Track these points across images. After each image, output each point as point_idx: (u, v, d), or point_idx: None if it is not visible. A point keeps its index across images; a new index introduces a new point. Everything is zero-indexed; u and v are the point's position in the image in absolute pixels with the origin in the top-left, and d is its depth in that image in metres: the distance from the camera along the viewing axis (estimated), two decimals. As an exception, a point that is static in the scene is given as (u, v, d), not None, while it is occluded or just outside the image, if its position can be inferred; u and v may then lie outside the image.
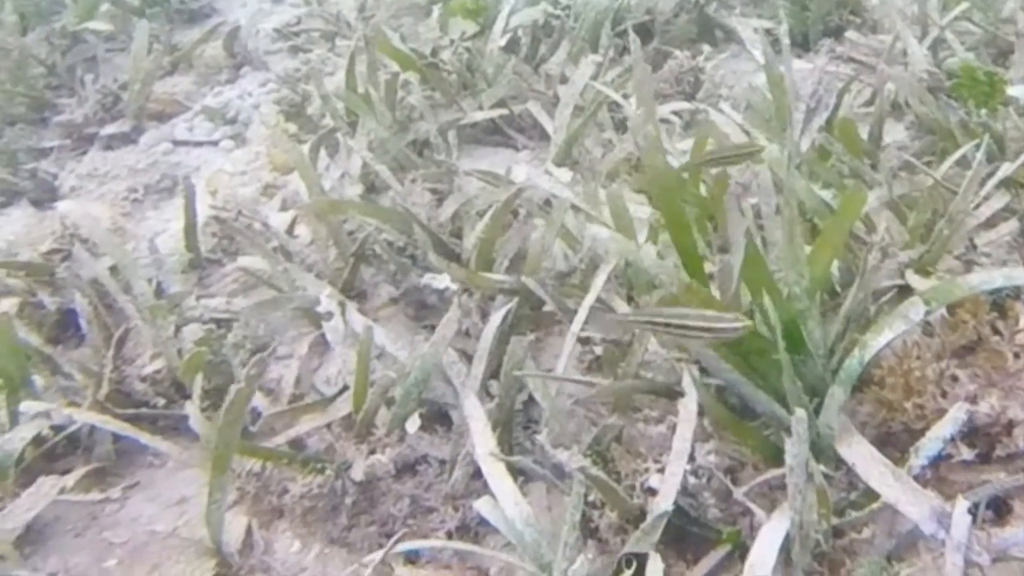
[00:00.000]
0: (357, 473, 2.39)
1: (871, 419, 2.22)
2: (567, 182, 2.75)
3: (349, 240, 3.07)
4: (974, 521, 1.94)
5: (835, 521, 2.04)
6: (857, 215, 2.36)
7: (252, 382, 2.09)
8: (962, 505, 1.86)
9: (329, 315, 2.57)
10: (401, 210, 2.92)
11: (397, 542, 2.18)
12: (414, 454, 2.44)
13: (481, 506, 2.05)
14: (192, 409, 2.34)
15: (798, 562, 1.91)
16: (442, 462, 2.37)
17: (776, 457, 2.12)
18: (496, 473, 2.07)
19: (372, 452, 2.45)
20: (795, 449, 1.82)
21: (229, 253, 3.32)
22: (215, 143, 4.33)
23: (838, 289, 2.55)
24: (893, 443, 2.20)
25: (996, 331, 2.28)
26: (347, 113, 3.83)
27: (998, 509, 2.12)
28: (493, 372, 2.50)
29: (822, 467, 2.14)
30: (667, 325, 1.88)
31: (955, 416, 2.05)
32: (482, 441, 2.18)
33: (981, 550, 1.82)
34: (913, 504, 1.92)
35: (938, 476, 2.18)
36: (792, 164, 2.18)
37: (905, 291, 2.64)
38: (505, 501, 2.01)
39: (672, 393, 2.18)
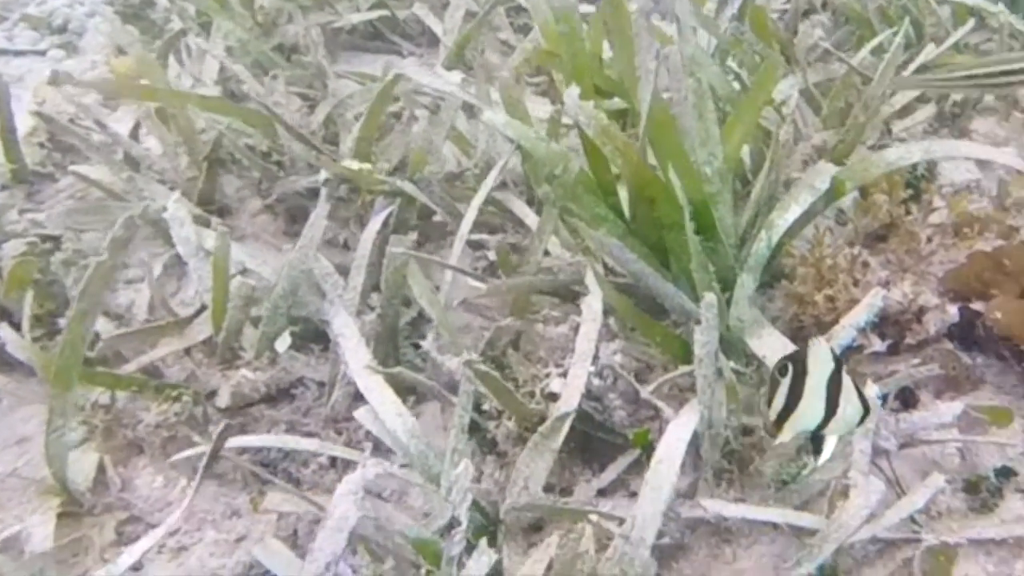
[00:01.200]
0: (223, 399, 2.33)
1: (784, 313, 2.30)
2: (457, 82, 2.72)
3: (204, 146, 2.96)
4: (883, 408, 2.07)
5: (745, 419, 2.12)
6: (770, 91, 2.42)
7: (94, 293, 2.00)
8: (871, 389, 1.94)
9: (178, 223, 2.46)
10: (263, 109, 2.82)
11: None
12: (288, 377, 2.42)
13: (361, 416, 2.04)
14: (10, 335, 2.22)
15: (707, 460, 1.98)
16: (320, 384, 2.35)
17: (686, 356, 2.20)
18: (374, 386, 2.07)
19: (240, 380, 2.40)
20: (704, 337, 1.87)
21: (62, 167, 3.16)
22: (42, 53, 4.18)
23: (750, 177, 2.62)
24: (808, 336, 2.28)
25: (910, 212, 2.39)
26: (197, 15, 3.69)
27: (905, 400, 2.26)
28: (376, 285, 2.48)
29: (732, 363, 2.22)
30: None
31: (870, 303, 2.16)
32: (355, 356, 2.16)
33: (889, 435, 1.92)
34: None
35: (850, 368, 2.31)
36: (689, 36, 2.19)
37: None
38: (386, 412, 2.01)
39: (574, 294, 2.20)
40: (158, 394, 2.30)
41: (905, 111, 3.04)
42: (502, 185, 2.59)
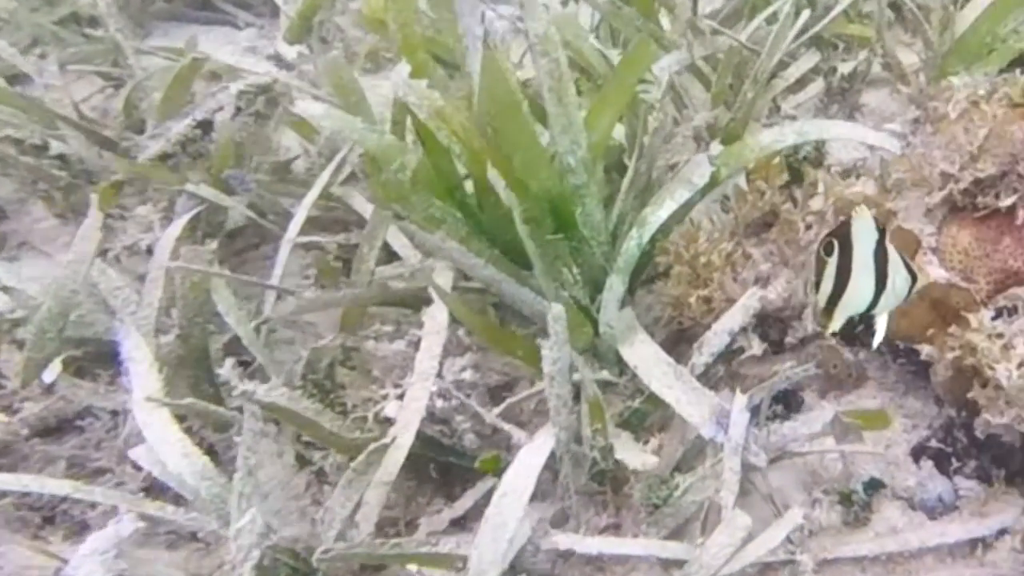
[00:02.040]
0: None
1: (661, 316, 2.18)
2: (292, 59, 2.48)
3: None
4: (754, 418, 1.98)
5: (621, 433, 2.01)
6: (644, 68, 2.27)
7: None
8: (740, 402, 1.86)
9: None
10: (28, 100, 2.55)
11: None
12: (72, 407, 2.20)
13: (139, 456, 1.86)
14: None
15: (571, 484, 1.86)
16: (115, 413, 2.15)
17: None
18: (155, 421, 1.86)
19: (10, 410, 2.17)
20: (554, 354, 1.75)
21: None
22: None
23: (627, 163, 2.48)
24: (690, 339, 2.20)
25: (792, 198, 2.28)
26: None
27: (787, 403, 2.19)
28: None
29: (605, 372, 2.10)
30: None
31: (745, 305, 2.09)
32: (141, 385, 1.94)
33: (759, 451, 1.83)
34: (694, 406, 1.94)
35: (732, 372, 2.24)
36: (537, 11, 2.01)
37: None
38: (168, 452, 1.82)
39: (419, 303, 2.03)
40: None
41: (801, 84, 2.93)
42: (352, 177, 2.39)
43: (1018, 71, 2.48)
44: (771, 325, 2.24)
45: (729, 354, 2.18)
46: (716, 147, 2.72)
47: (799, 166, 2.44)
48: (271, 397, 1.74)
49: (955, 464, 2.02)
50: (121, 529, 1.56)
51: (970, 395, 1.89)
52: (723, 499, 1.81)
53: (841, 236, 1.51)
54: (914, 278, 1.55)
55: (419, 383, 1.89)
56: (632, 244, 2.06)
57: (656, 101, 2.19)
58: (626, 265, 2.05)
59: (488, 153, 1.94)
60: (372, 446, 1.78)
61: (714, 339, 2.03)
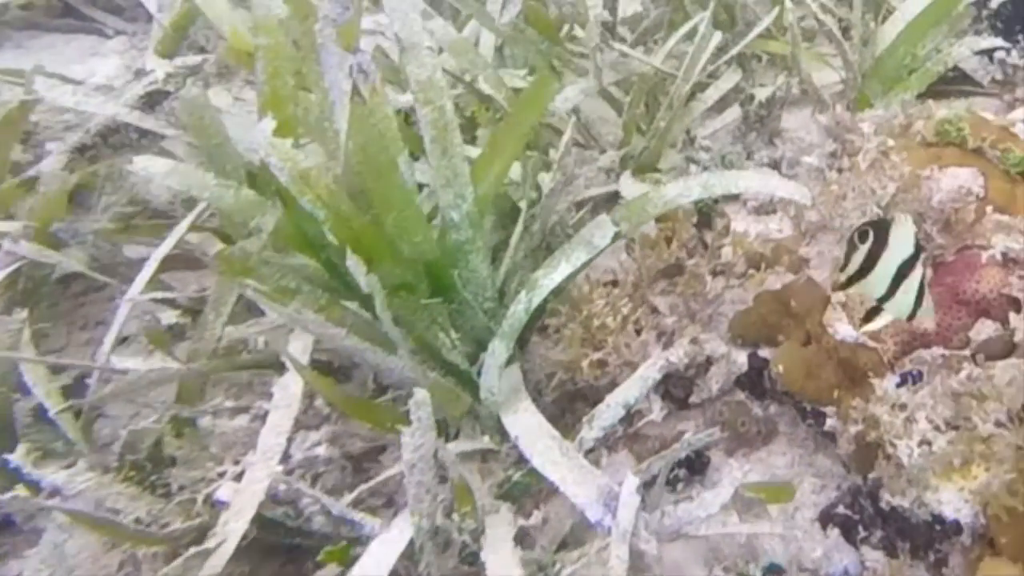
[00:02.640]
0: None
1: (551, 380, 2.03)
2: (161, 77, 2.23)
3: None
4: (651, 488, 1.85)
5: (500, 506, 1.86)
6: (541, 110, 2.08)
7: None
8: (630, 485, 1.71)
9: None
10: None
11: None
12: None
13: None
14: None
15: (428, 569, 1.70)
16: None
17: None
18: None
19: None
20: (415, 441, 1.57)
21: None
22: None
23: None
24: (587, 397, 2.05)
25: (700, 247, 2.13)
26: None
27: (692, 467, 2.05)
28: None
29: (486, 438, 1.95)
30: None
31: (644, 376, 1.95)
32: None
33: (649, 537, 1.69)
34: (579, 485, 1.77)
35: (632, 434, 2.07)
36: (419, 55, 1.82)
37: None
38: None
39: (278, 366, 1.85)
40: None
41: (722, 106, 2.77)
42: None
43: (931, 102, 2.38)
44: (675, 384, 2.10)
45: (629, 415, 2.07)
46: (627, 179, 2.58)
47: (709, 211, 2.30)
48: (74, 484, 1.57)
49: (862, 533, 1.89)
50: None
51: (872, 474, 1.78)
52: None
53: (879, 231, 1.51)
54: (917, 308, 1.55)
55: (260, 462, 1.71)
56: (519, 308, 1.87)
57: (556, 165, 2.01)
58: (511, 330, 1.88)
59: (355, 219, 1.77)
60: (191, 551, 1.61)
61: (607, 412, 1.88)
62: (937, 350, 1.91)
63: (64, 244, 2.16)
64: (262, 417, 1.79)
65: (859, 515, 1.91)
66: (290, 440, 1.81)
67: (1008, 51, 2.53)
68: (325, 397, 1.85)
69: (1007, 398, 1.60)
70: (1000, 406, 1.62)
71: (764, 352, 2.10)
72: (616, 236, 2.00)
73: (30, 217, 2.15)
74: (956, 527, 1.64)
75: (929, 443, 1.70)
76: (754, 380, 2.12)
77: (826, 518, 1.94)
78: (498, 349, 1.89)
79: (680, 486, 2.03)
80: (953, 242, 1.94)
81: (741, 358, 2.11)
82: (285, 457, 1.80)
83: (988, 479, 1.58)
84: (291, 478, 1.75)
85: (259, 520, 1.71)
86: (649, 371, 1.90)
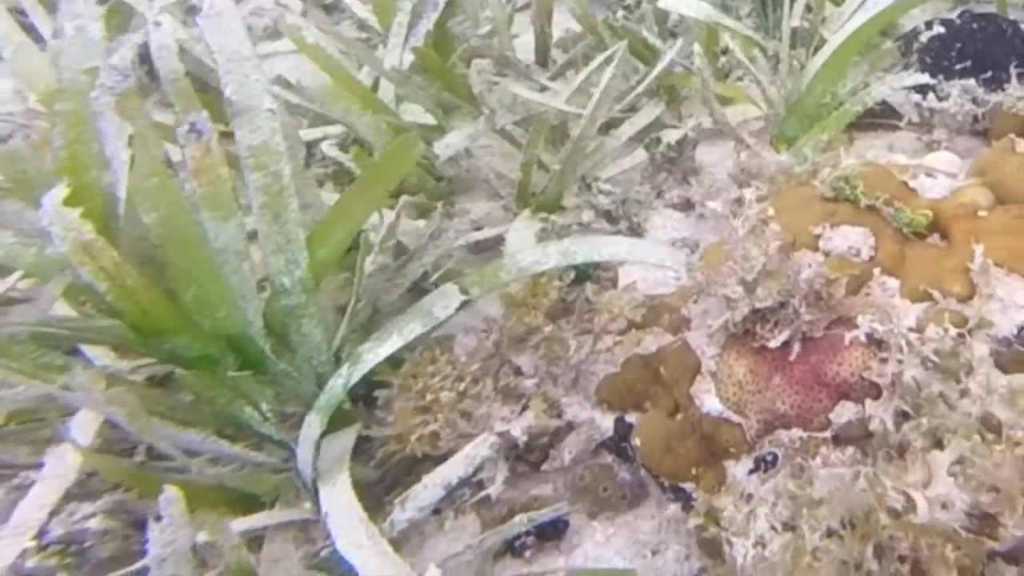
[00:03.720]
0: None
1: (380, 450, 1.89)
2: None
3: None
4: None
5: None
6: (399, 172, 1.92)
7: None
8: (432, 574, 1.55)
9: None
10: None
11: None
12: None
13: None
14: None
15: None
16: None
17: (246, 503, 1.79)
18: None
19: None
20: (165, 537, 1.44)
21: None
22: None
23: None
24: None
25: (560, 314, 1.97)
26: None
27: (545, 531, 1.88)
28: None
29: (307, 505, 1.82)
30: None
31: (469, 455, 1.80)
32: None
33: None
34: (379, 572, 1.61)
35: (483, 498, 1.90)
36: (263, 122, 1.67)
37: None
38: None
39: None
40: None
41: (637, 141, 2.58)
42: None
43: (841, 149, 2.17)
44: (529, 449, 1.94)
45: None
46: (522, 219, 2.40)
47: (590, 265, 2.12)
48: None
49: None
50: None
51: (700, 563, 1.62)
52: None
53: None
54: None
55: (12, 536, 1.59)
56: (338, 383, 1.73)
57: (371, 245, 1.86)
58: (327, 405, 1.73)
59: (143, 292, 1.63)
60: None
61: (424, 493, 1.72)
62: (796, 431, 1.72)
63: None
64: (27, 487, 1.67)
65: None
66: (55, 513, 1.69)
67: (924, 94, 2.30)
68: (105, 473, 1.72)
69: (834, 506, 1.42)
70: (832, 513, 1.44)
71: (631, 418, 1.96)
72: (464, 303, 1.85)
73: None
74: None
75: (764, 545, 1.53)
76: (619, 446, 1.97)
77: None
78: (313, 422, 1.74)
79: (529, 553, 1.87)
80: (823, 316, 1.75)
81: (607, 423, 1.93)
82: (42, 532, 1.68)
83: (811, 599, 1.40)
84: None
85: None
86: (478, 448, 1.74)
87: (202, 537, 1.56)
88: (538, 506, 1.88)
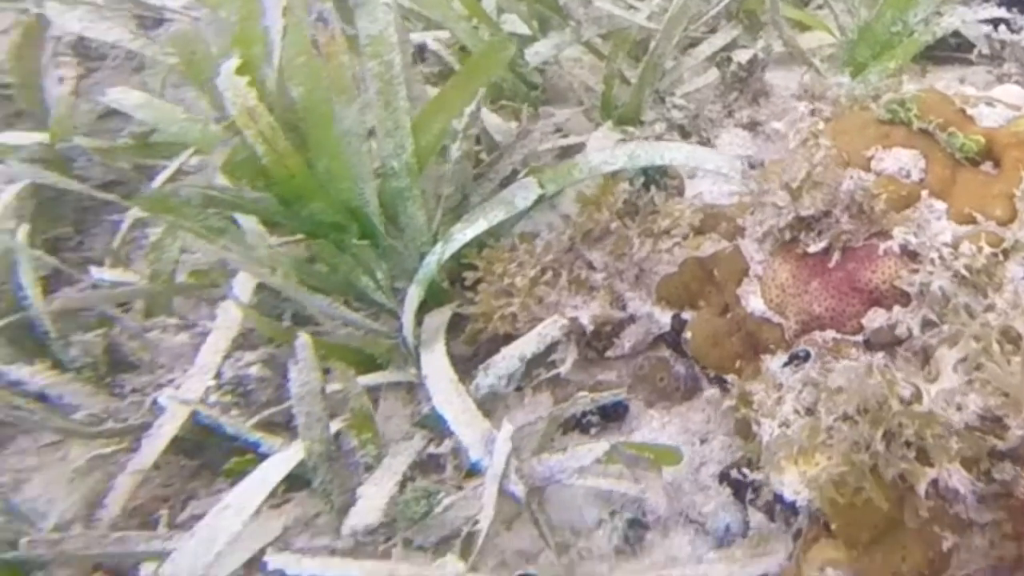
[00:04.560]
0: None
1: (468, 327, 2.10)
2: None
3: None
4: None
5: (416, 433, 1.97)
6: (491, 71, 2.09)
7: None
8: (505, 432, 1.79)
9: None
10: None
11: None
12: None
13: None
14: None
15: (333, 490, 1.83)
16: None
17: (367, 363, 2.01)
18: None
19: None
20: (301, 377, 1.68)
21: None
22: None
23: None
24: (483, 354, 2.08)
25: (627, 214, 2.12)
26: None
27: (607, 414, 2.07)
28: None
29: (412, 370, 2.04)
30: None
31: (541, 333, 1.98)
32: None
33: (518, 480, 1.76)
34: (467, 427, 1.87)
35: (557, 379, 2.10)
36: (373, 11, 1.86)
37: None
38: None
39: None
40: None
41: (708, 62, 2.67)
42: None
43: (904, 76, 2.22)
44: (596, 337, 2.10)
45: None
46: (603, 130, 2.54)
47: (657, 171, 2.25)
48: (35, 381, 1.76)
49: (751, 495, 1.88)
50: None
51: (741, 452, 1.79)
52: (480, 523, 1.74)
53: None
54: None
55: (197, 375, 1.86)
56: (433, 259, 1.94)
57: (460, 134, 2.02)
58: (424, 278, 1.94)
59: (291, 159, 1.85)
60: (93, 453, 1.78)
61: (502, 363, 1.93)
62: (830, 333, 1.87)
63: (72, 163, 2.34)
64: (205, 334, 1.94)
65: (752, 480, 1.84)
66: (226, 358, 1.96)
67: (997, 27, 2.32)
68: (259, 328, 1.98)
69: (850, 395, 1.57)
70: (849, 400, 1.59)
71: (687, 315, 2.12)
72: (541, 198, 2.02)
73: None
74: (793, 508, 1.65)
75: (787, 425, 1.69)
76: (675, 340, 2.13)
77: (723, 477, 1.95)
78: (413, 294, 1.97)
79: (594, 431, 2.06)
80: (863, 227, 1.87)
81: (665, 318, 2.09)
82: (218, 373, 1.95)
83: (821, 468, 1.57)
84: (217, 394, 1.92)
85: (189, 427, 1.88)
86: (548, 328, 1.94)
87: (333, 386, 1.81)
88: (602, 389, 2.03)
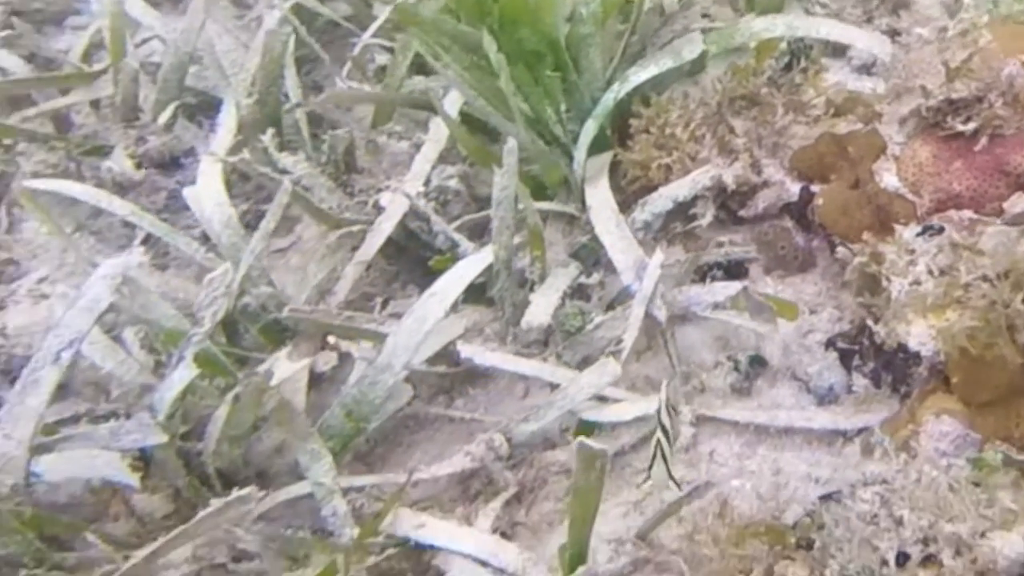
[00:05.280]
0: (118, 163, 2.29)
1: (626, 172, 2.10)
2: None
3: None
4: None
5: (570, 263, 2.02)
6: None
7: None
8: (656, 259, 1.82)
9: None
10: None
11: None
12: (181, 145, 2.35)
13: (188, 195, 1.99)
14: None
15: (502, 293, 1.90)
16: None
17: (537, 192, 2.06)
18: (209, 171, 1.98)
19: (140, 140, 2.34)
20: (503, 182, 1.74)
21: None
22: None
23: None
24: (634, 197, 2.10)
25: (774, 83, 2.13)
26: None
27: (731, 272, 2.08)
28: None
29: (571, 206, 2.09)
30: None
31: (694, 179, 1.97)
32: (218, 139, 2.06)
33: (662, 305, 1.82)
34: (623, 253, 1.90)
35: (688, 233, 2.13)
36: None
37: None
38: (208, 200, 1.94)
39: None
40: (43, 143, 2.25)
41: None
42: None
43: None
44: (731, 198, 2.10)
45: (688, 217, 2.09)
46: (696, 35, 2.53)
47: (803, 53, 2.25)
48: (295, 169, 1.84)
49: (857, 362, 1.88)
50: (130, 260, 1.67)
51: (862, 300, 1.78)
52: (624, 341, 1.79)
53: None
54: None
55: (410, 182, 1.93)
56: (610, 96, 1.95)
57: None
58: (601, 113, 1.95)
59: None
60: (341, 231, 1.86)
61: (658, 201, 1.93)
62: (967, 213, 1.85)
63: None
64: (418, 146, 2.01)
65: (859, 347, 1.88)
66: (433, 168, 2.03)
67: None
68: (460, 142, 2.03)
69: (996, 258, 1.60)
70: (990, 263, 1.62)
71: (815, 188, 2.12)
72: (704, 54, 2.04)
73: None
74: (916, 357, 1.66)
75: (919, 283, 1.73)
76: (801, 211, 2.11)
77: (831, 343, 1.93)
78: (589, 127, 1.97)
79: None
80: (1015, 118, 1.86)
81: (795, 188, 2.07)
82: (426, 181, 2.03)
83: (954, 321, 1.61)
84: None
85: (403, 230, 1.98)
86: (700, 176, 1.94)
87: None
88: (729, 246, 2.08)
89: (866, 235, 1.83)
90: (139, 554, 1.36)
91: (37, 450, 1.54)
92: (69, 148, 2.27)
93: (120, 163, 2.29)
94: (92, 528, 1.56)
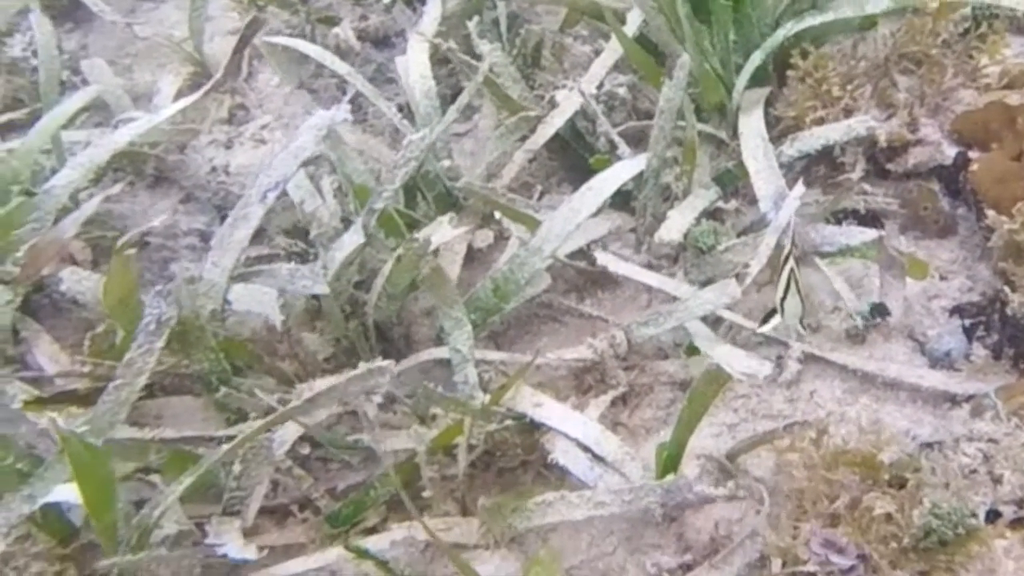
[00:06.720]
0: (344, 33, 2.31)
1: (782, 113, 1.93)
2: None
3: None
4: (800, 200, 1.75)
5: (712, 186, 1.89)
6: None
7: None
8: (796, 192, 1.68)
9: None
10: None
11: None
12: (395, 27, 2.33)
13: (399, 64, 1.99)
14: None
15: (645, 202, 1.82)
16: None
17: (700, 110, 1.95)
18: (416, 48, 1.96)
19: (363, 17, 2.35)
20: (670, 93, 1.64)
21: None
22: None
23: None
24: (785, 135, 1.91)
25: (948, 45, 1.88)
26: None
27: (865, 223, 1.86)
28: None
29: (723, 132, 1.96)
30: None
31: (850, 125, 1.79)
32: (425, 23, 2.03)
33: (792, 236, 1.68)
34: (765, 182, 1.76)
35: (832, 179, 1.92)
36: None
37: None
38: (414, 73, 1.93)
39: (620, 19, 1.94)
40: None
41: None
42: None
43: None
44: (882, 152, 1.88)
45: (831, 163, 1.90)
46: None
47: (986, 20, 1.96)
48: (490, 56, 1.82)
49: (981, 333, 1.68)
50: (336, 114, 1.65)
51: (1005, 266, 1.60)
52: (751, 267, 1.67)
53: None
54: None
55: (584, 83, 1.86)
56: (780, 32, 1.78)
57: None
58: (769, 46, 1.80)
59: None
60: (519, 115, 1.82)
61: (808, 139, 1.76)
62: None
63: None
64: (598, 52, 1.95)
65: (985, 318, 1.70)
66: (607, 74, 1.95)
67: None
68: (629, 56, 1.93)
69: None
70: None
71: (973, 154, 1.90)
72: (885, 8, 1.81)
73: None
74: None
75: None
76: (952, 176, 1.87)
77: (957, 310, 1.74)
78: (755, 57, 1.82)
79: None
80: None
81: (950, 152, 1.85)
82: (599, 85, 1.95)
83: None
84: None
85: (571, 128, 1.92)
86: (857, 124, 1.74)
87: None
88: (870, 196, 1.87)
89: (1020, 205, 1.60)
90: (293, 403, 1.36)
91: (234, 279, 1.55)
92: (309, 13, 2.28)
93: (345, 33, 2.29)
94: (264, 363, 1.58)
